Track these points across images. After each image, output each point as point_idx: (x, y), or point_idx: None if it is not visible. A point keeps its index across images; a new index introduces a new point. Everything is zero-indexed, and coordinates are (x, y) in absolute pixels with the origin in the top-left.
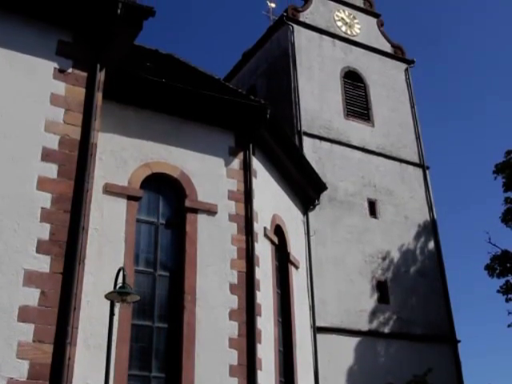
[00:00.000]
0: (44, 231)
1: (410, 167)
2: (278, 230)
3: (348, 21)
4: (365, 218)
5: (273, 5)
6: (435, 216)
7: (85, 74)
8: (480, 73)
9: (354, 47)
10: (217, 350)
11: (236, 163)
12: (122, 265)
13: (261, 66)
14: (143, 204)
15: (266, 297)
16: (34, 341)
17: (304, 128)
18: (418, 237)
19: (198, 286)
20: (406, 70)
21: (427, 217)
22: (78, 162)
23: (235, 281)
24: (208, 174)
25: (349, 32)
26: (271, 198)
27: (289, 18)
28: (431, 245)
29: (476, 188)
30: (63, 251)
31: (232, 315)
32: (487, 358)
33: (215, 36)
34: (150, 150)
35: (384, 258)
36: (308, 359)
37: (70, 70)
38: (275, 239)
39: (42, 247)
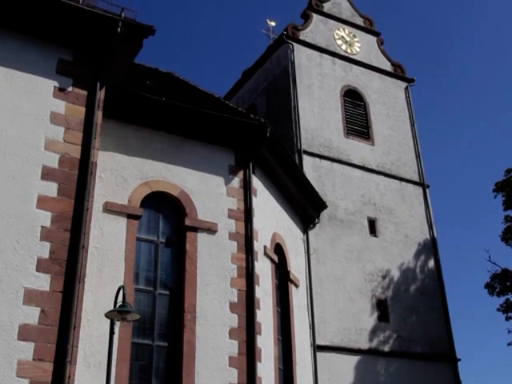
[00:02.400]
0: (44, 250)
1: (410, 186)
2: (278, 249)
3: (348, 39)
4: (365, 236)
5: (273, 23)
6: (435, 234)
7: (85, 93)
8: (480, 91)
9: (354, 66)
10: (217, 368)
11: (236, 182)
12: (122, 283)
13: (261, 84)
14: (143, 222)
15: (266, 315)
16: (34, 359)
17: (304, 146)
18: (417, 255)
19: (198, 305)
20: (406, 88)
21: (427, 235)
22: (78, 181)
23: (235, 299)
24: (208, 192)
25: (349, 50)
26: (271, 216)
27: (289, 37)
28: (431, 263)
29: (476, 206)
30: (63, 270)
31: (232, 334)
32: (487, 376)
33: (215, 54)
34: (150, 168)
35: (384, 277)
36: (308, 378)
37: (70, 89)
38: (275, 258)
39: (41, 266)
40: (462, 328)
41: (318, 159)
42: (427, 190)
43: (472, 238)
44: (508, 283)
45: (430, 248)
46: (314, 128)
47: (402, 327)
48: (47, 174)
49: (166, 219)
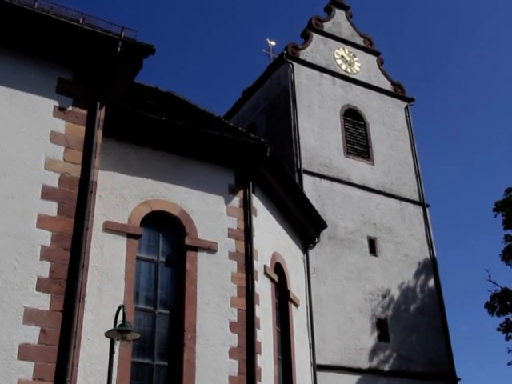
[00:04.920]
0: (44, 269)
1: (410, 205)
2: (278, 268)
3: (348, 59)
4: (365, 255)
5: (273, 43)
6: (435, 254)
7: (85, 112)
8: (480, 110)
9: (354, 85)
10: None
11: (236, 201)
12: (122, 303)
13: (261, 103)
14: (143, 242)
15: (266, 335)
16: (34, 379)
17: (304, 166)
18: (418, 275)
19: (197, 324)
20: (406, 107)
21: (427, 255)
22: (78, 200)
23: (235, 319)
24: (208, 211)
25: (349, 70)
26: (271, 235)
27: (289, 56)
28: (431, 283)
29: (476, 226)
30: (63, 289)
31: (232, 353)
32: None
33: (215, 74)
34: (150, 187)
35: (384, 296)
36: None
37: (70, 108)
38: (275, 277)
39: (42, 285)
40: (462, 347)
41: (318, 179)
42: (427, 210)
43: (472, 257)
44: (508, 303)
45: (429, 267)
46: (314, 147)
47: (402, 347)
48: (47, 194)
49: (166, 238)
